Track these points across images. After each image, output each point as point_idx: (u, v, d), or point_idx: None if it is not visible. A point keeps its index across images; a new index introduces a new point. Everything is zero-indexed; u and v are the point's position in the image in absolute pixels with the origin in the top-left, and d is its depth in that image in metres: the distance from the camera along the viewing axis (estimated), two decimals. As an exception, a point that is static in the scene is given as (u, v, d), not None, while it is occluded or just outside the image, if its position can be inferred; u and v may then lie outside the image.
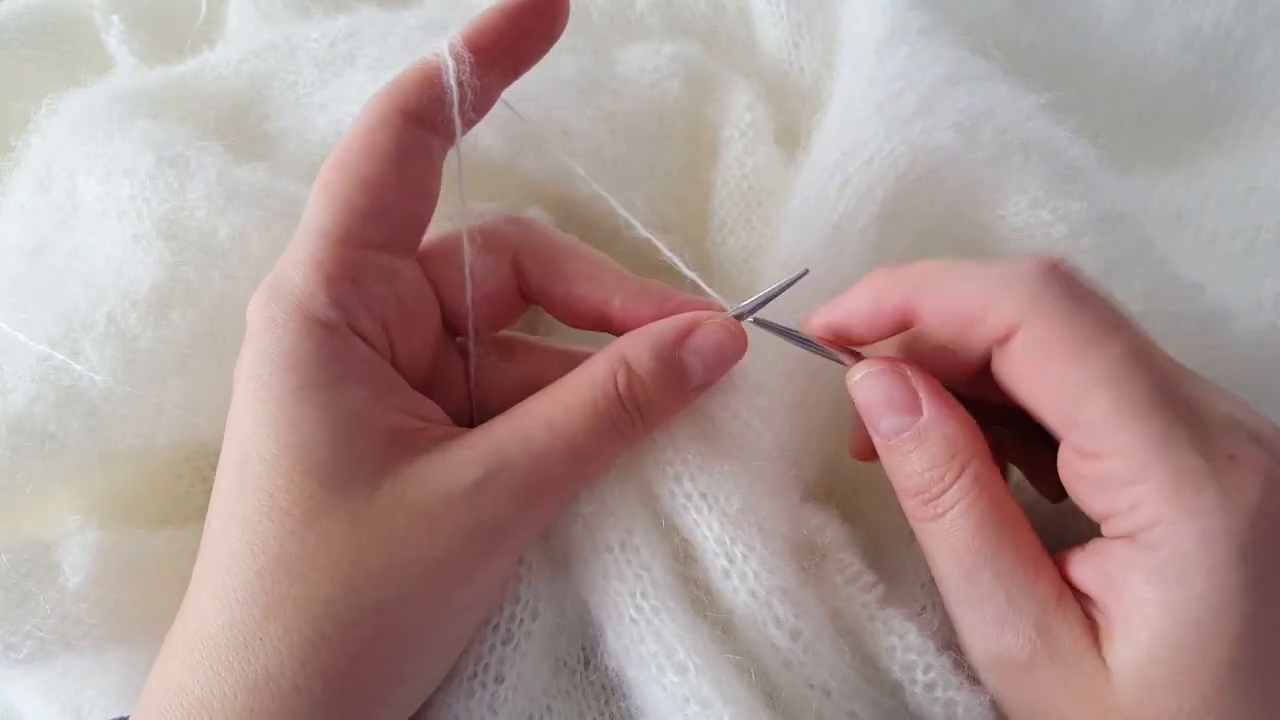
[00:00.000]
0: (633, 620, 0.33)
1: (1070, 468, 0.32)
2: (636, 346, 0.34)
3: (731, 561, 0.33)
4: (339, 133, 0.45)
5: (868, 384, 0.34)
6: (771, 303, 0.36)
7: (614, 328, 0.37)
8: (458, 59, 0.34)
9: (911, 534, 0.36)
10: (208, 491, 0.40)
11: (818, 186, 0.41)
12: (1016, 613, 0.31)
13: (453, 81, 0.33)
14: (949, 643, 0.35)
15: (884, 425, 0.34)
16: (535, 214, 0.46)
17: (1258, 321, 0.50)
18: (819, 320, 0.36)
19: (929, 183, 0.40)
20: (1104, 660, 0.30)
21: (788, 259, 0.41)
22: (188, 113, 0.43)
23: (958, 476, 0.32)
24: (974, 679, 0.33)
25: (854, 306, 0.35)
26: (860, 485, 0.40)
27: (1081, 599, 0.31)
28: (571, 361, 0.37)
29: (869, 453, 0.35)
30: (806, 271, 0.36)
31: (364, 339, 0.33)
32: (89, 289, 0.38)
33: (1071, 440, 0.31)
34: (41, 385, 0.36)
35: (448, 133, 0.35)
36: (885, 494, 0.36)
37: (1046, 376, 0.31)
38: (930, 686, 0.33)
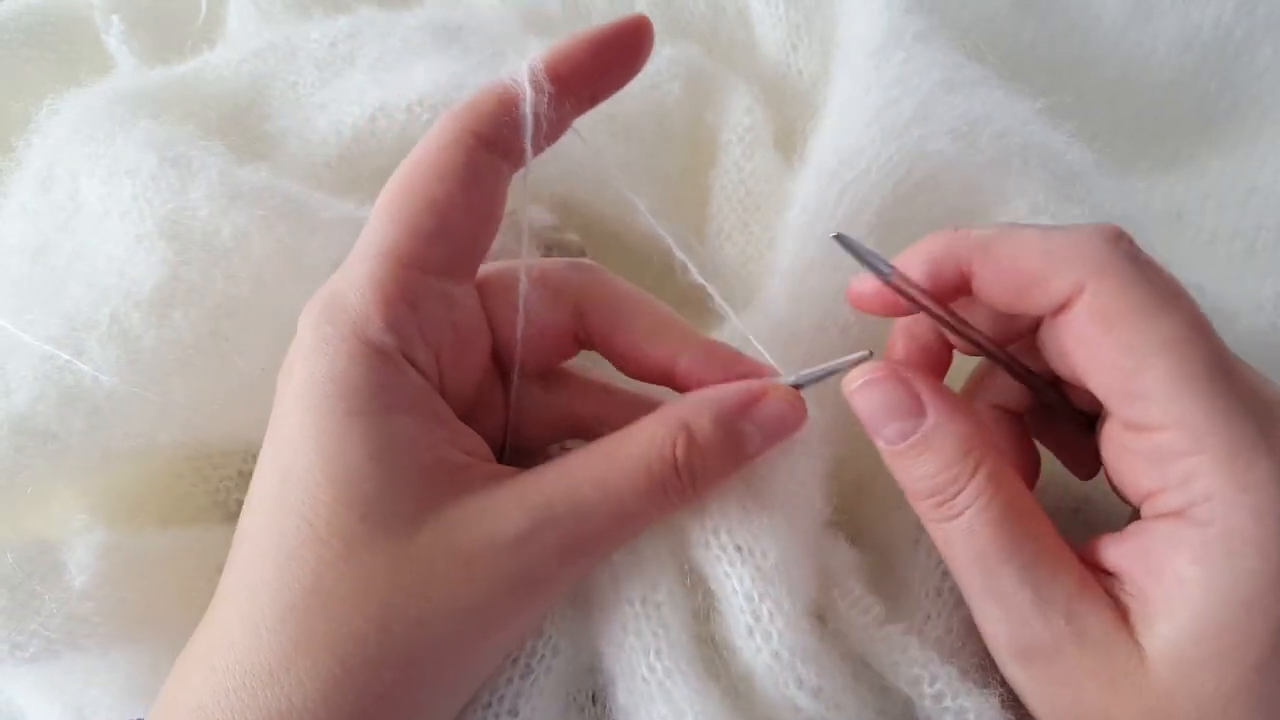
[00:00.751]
0: (644, 679, 0.33)
1: (1117, 441, 0.32)
2: (699, 413, 0.33)
3: (757, 620, 0.32)
4: (339, 133, 0.45)
5: (866, 392, 0.33)
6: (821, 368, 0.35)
7: (675, 385, 0.36)
8: (537, 88, 0.33)
9: (915, 540, 0.36)
10: (209, 492, 0.40)
11: (816, 195, 0.41)
12: (1043, 603, 0.31)
13: (529, 111, 0.33)
14: (955, 650, 0.35)
15: (887, 431, 0.33)
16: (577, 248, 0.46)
17: (1258, 322, 0.50)
18: (867, 285, 0.34)
19: (927, 189, 0.40)
20: (1138, 643, 0.30)
21: (787, 268, 0.41)
22: (189, 113, 0.43)
23: (972, 475, 0.32)
24: (982, 683, 0.33)
25: (909, 265, 0.34)
26: (863, 487, 0.40)
27: (1109, 583, 0.31)
28: (614, 399, 0.37)
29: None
30: (871, 354, 0.34)
31: (416, 366, 0.32)
32: (91, 289, 0.38)
33: (1124, 412, 0.31)
34: (44, 385, 0.36)
35: (517, 159, 0.34)
36: (888, 496, 0.36)
37: (1105, 343, 0.30)
38: (939, 697, 0.33)
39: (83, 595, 0.34)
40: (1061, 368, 0.34)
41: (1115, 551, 0.32)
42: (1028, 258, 0.31)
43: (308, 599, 0.29)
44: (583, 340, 0.37)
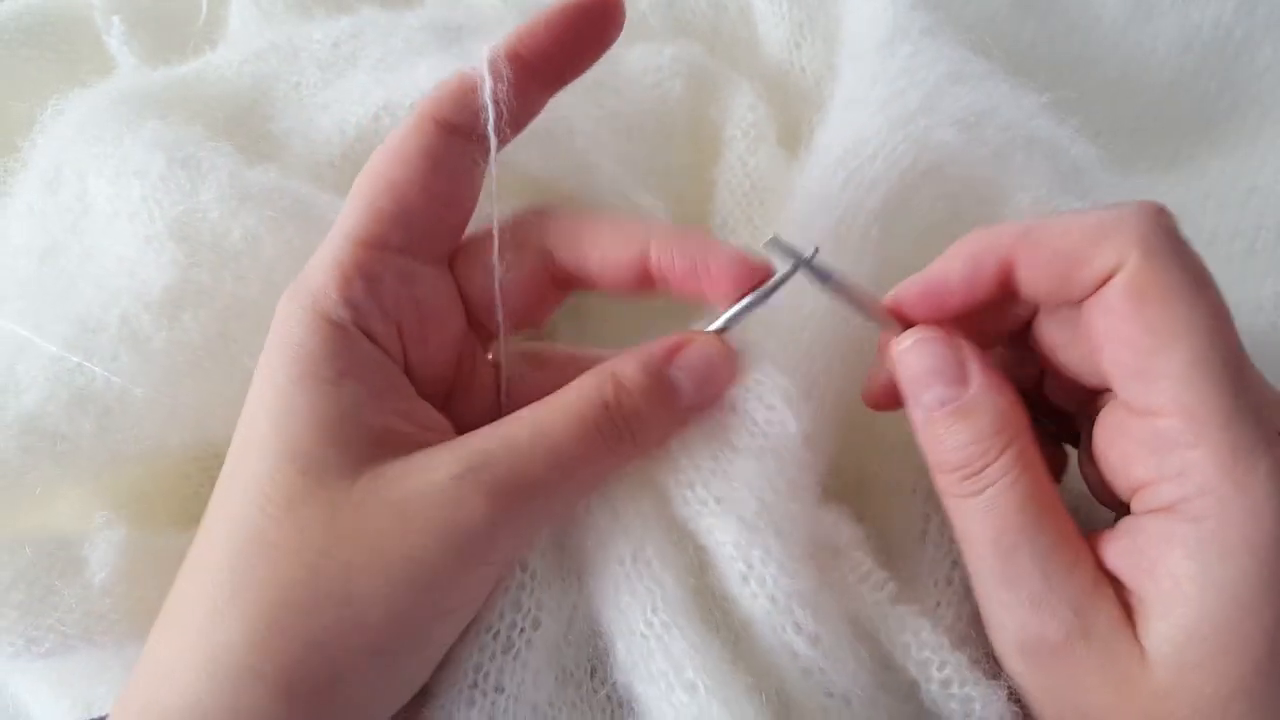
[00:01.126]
0: (643, 636, 0.33)
1: (1114, 427, 0.32)
2: (624, 361, 0.34)
3: (750, 566, 0.32)
4: (343, 133, 0.45)
5: (917, 351, 0.33)
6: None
7: (658, 285, 0.36)
8: (495, 75, 0.33)
9: (922, 532, 0.36)
10: (218, 492, 0.40)
11: (820, 183, 0.41)
12: (1054, 594, 0.30)
13: (488, 99, 0.33)
14: (965, 638, 0.35)
15: (928, 396, 0.33)
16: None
17: (1258, 322, 0.50)
18: (912, 289, 0.34)
19: (932, 179, 0.40)
20: (1138, 642, 0.30)
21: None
22: (194, 113, 0.43)
23: (1002, 452, 0.32)
24: (991, 674, 0.33)
25: (951, 267, 0.33)
26: (867, 480, 0.40)
27: (1114, 583, 0.31)
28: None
29: (886, 401, 0.35)
30: (817, 249, 0.34)
31: (374, 340, 0.33)
32: (101, 290, 0.38)
33: (1131, 390, 0.31)
34: (54, 386, 0.36)
35: (481, 138, 0.34)
36: (894, 489, 0.36)
37: (1133, 319, 0.30)
38: (946, 683, 0.33)
39: (102, 591, 0.35)
40: (1060, 357, 0.34)
41: (1109, 551, 0.32)
42: (1070, 239, 0.31)
43: (248, 547, 0.31)
44: (560, 280, 0.37)
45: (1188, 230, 0.55)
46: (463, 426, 0.34)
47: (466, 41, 0.48)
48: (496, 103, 0.34)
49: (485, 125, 0.34)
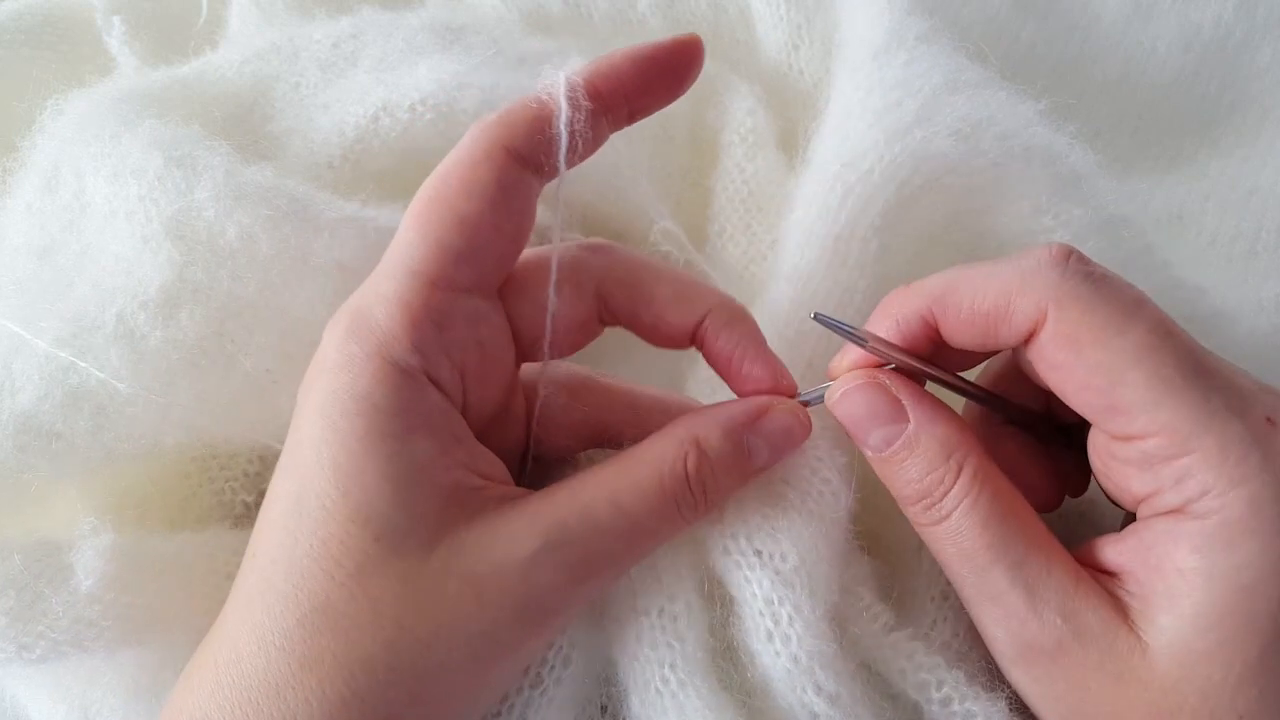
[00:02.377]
0: (658, 691, 0.33)
1: (1105, 453, 0.32)
2: (708, 428, 0.33)
3: (776, 624, 0.32)
4: (343, 133, 0.45)
5: (848, 400, 0.34)
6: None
7: (701, 347, 0.36)
8: (574, 104, 0.33)
9: (919, 546, 0.36)
10: (215, 493, 0.40)
11: (819, 198, 0.41)
12: (1038, 601, 0.31)
13: (564, 129, 0.32)
14: (962, 654, 0.35)
15: (872, 439, 0.34)
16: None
17: (1259, 324, 0.50)
18: (846, 358, 0.35)
19: (930, 191, 0.41)
20: (1139, 636, 0.30)
21: (790, 270, 0.41)
22: (193, 113, 0.43)
23: (957, 476, 0.32)
24: (990, 686, 0.33)
25: (880, 328, 0.35)
26: (867, 496, 0.40)
27: (1108, 580, 0.31)
28: (637, 407, 0.37)
29: None
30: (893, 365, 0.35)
31: (440, 386, 0.32)
32: (98, 289, 0.38)
33: (1109, 426, 0.31)
34: (50, 385, 0.36)
35: (549, 173, 0.34)
36: (892, 505, 0.36)
37: (1077, 365, 0.31)
38: (946, 701, 0.33)
39: (90, 598, 0.34)
40: (1048, 386, 0.34)
41: (1114, 550, 0.32)
42: (983, 300, 0.32)
43: (316, 617, 0.29)
44: (606, 320, 0.37)
45: (1189, 232, 0.55)
46: (497, 451, 0.34)
47: (467, 41, 0.49)
48: (572, 134, 0.33)
49: (557, 156, 0.33)
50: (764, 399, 0.35)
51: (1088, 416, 0.32)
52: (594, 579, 0.32)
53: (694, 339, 0.36)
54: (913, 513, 0.33)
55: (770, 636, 0.32)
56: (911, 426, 0.33)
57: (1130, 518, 0.33)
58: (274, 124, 0.46)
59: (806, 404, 0.36)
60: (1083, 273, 0.31)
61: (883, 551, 0.38)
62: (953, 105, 0.41)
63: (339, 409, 0.31)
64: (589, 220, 0.49)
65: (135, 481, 0.39)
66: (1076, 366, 0.31)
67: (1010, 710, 0.33)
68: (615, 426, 0.37)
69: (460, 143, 0.33)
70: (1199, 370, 0.30)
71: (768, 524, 0.34)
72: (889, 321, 0.34)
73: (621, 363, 0.46)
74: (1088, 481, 0.38)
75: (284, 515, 0.31)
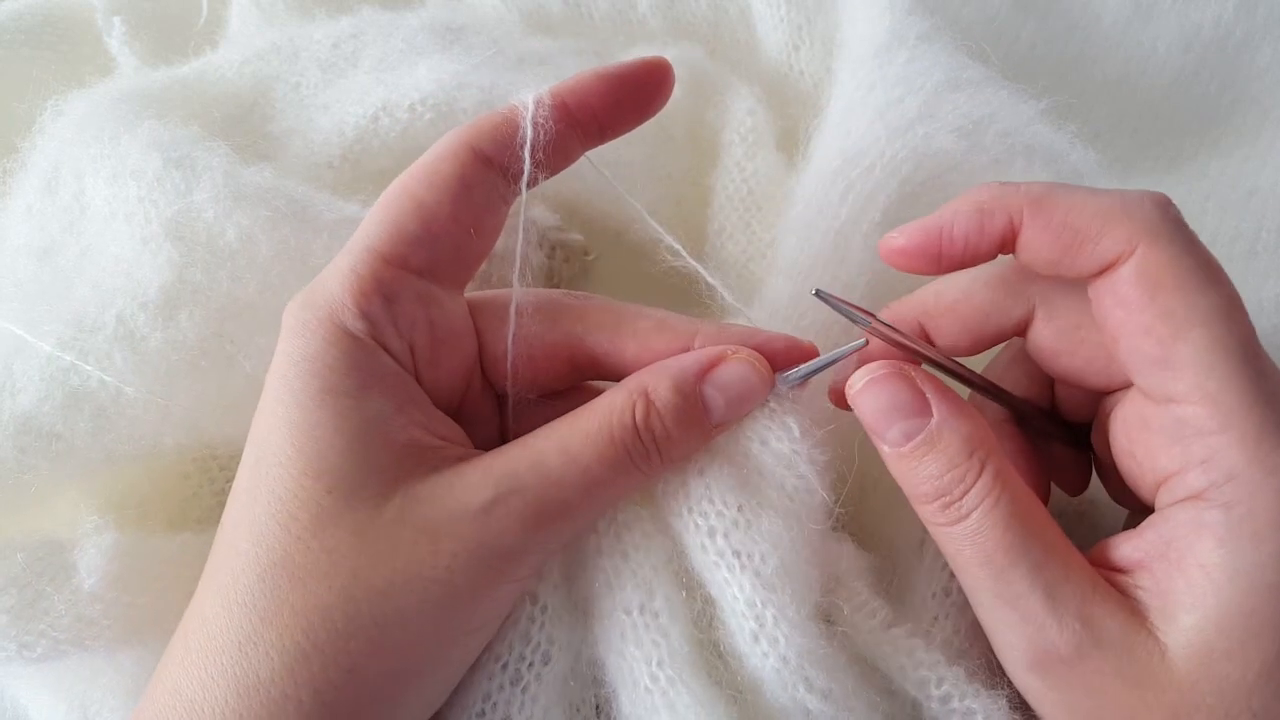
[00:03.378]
0: (647, 690, 0.32)
1: (1135, 423, 0.32)
2: (657, 378, 0.33)
3: (761, 625, 0.32)
4: (342, 133, 0.45)
5: (871, 391, 0.33)
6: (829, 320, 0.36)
7: None
8: (538, 105, 0.34)
9: (920, 542, 0.36)
10: (215, 494, 0.40)
11: (820, 194, 0.41)
12: (1057, 605, 0.30)
13: (526, 154, 0.34)
14: (962, 651, 0.35)
15: (892, 433, 0.32)
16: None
17: (1259, 324, 0.49)
18: (914, 233, 0.34)
19: (931, 188, 0.41)
20: (1158, 639, 0.29)
21: (790, 267, 0.41)
22: (193, 114, 0.43)
23: (979, 474, 0.31)
24: (989, 684, 0.33)
25: (958, 215, 0.33)
26: (867, 489, 0.40)
27: (1122, 579, 0.31)
28: (616, 322, 0.36)
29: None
30: (867, 342, 0.34)
31: (390, 353, 0.33)
32: (98, 290, 0.38)
33: (1151, 380, 0.30)
34: (50, 386, 0.36)
35: (519, 178, 0.34)
36: (892, 498, 0.36)
37: (1148, 308, 0.30)
38: (946, 699, 0.33)
39: (92, 597, 0.34)
40: (1063, 364, 0.34)
41: (1130, 546, 0.31)
42: (1081, 215, 0.31)
43: (275, 571, 0.30)
44: (583, 368, 0.36)
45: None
46: (472, 438, 0.34)
47: (467, 41, 0.49)
48: (534, 148, 0.34)
49: (520, 164, 0.34)
50: (719, 348, 0.34)
51: (1131, 369, 0.31)
52: (549, 526, 0.32)
53: None
54: (928, 511, 0.32)
55: (756, 638, 0.32)
56: (935, 421, 0.32)
57: (1132, 520, 0.33)
58: (274, 124, 0.46)
59: (804, 381, 0.35)
60: (1180, 221, 0.31)
61: (882, 547, 0.38)
62: (954, 103, 0.41)
63: (292, 371, 0.32)
64: (590, 221, 0.49)
65: (136, 482, 0.40)
66: (1147, 309, 0.30)
67: (1011, 708, 0.33)
68: (598, 351, 0.36)
69: (433, 145, 0.35)
70: (1256, 354, 0.30)
71: (745, 520, 0.33)
72: (972, 207, 0.33)
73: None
74: (1087, 480, 0.38)
75: (244, 481, 0.32)
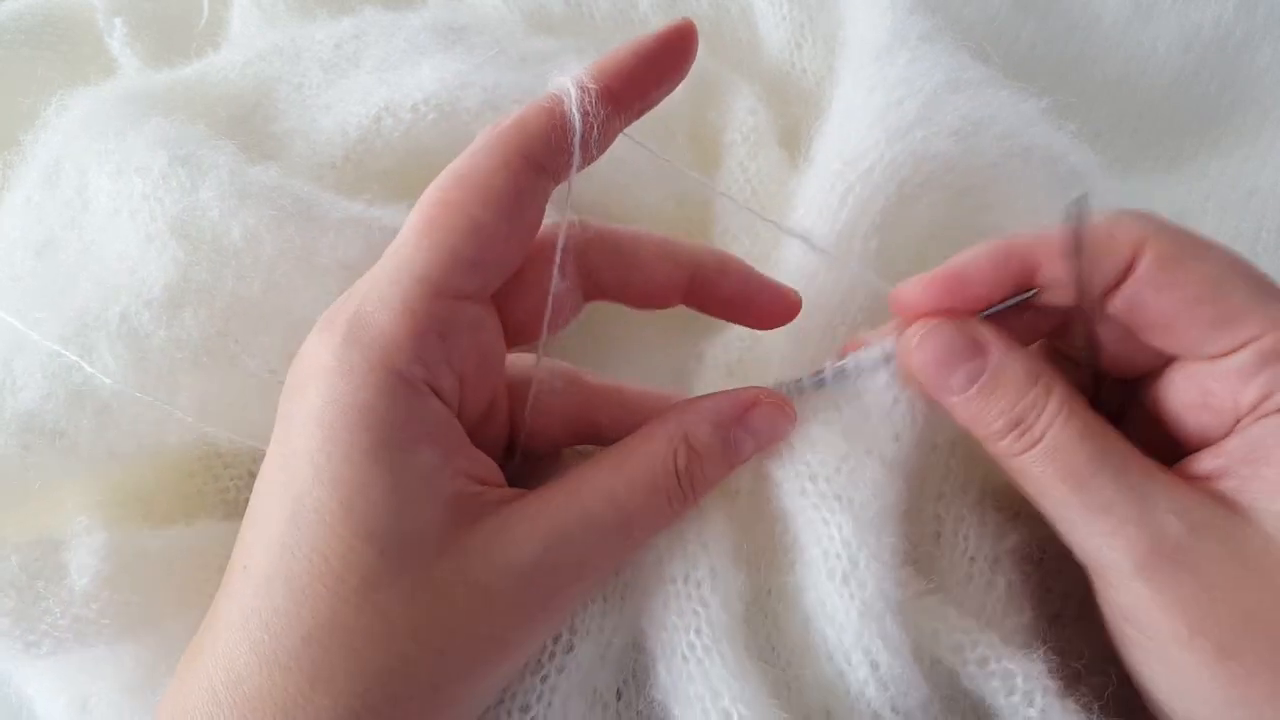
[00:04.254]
0: (684, 658, 0.33)
1: (1204, 380, 0.32)
2: (697, 424, 0.34)
3: (855, 566, 0.32)
4: (345, 133, 0.45)
5: (928, 343, 0.33)
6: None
7: (694, 302, 0.37)
8: (584, 91, 0.32)
9: (937, 534, 0.36)
10: (219, 491, 0.40)
11: (819, 196, 0.41)
12: (1149, 502, 0.30)
13: (577, 147, 0.32)
14: (995, 620, 0.35)
15: (955, 380, 0.33)
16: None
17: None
18: (934, 286, 0.34)
19: (931, 190, 0.41)
20: (1256, 523, 0.30)
21: (792, 270, 0.41)
22: (197, 114, 0.43)
23: (1048, 396, 0.32)
24: (1025, 646, 0.33)
25: (974, 260, 0.34)
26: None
27: (1204, 486, 0.32)
28: (625, 403, 0.37)
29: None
30: (1036, 292, 0.35)
31: (440, 395, 0.32)
32: (101, 287, 0.38)
33: (1220, 338, 0.31)
34: (53, 383, 0.36)
35: (561, 176, 0.33)
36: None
37: (1187, 278, 0.31)
38: (983, 661, 0.33)
39: (85, 598, 0.34)
40: (1145, 316, 0.34)
41: (1211, 456, 0.32)
42: (1089, 228, 0.32)
43: (324, 634, 0.29)
44: (591, 294, 0.37)
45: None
46: (481, 446, 0.34)
47: (469, 41, 0.49)
48: (586, 144, 0.32)
49: (570, 158, 0.33)
50: (750, 391, 0.35)
51: (1189, 343, 0.32)
52: (592, 575, 0.33)
53: (687, 296, 0.37)
54: (1003, 446, 0.33)
55: (846, 579, 0.32)
56: (996, 357, 0.33)
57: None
58: (277, 125, 0.46)
59: (823, 383, 0.36)
60: (1162, 218, 0.33)
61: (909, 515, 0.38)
62: (954, 105, 0.41)
63: (341, 420, 0.30)
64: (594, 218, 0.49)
65: (139, 480, 0.39)
66: (1186, 280, 0.31)
67: (1048, 674, 0.32)
68: (602, 423, 0.37)
69: (473, 147, 0.33)
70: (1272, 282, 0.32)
71: (850, 470, 0.34)
72: (989, 258, 0.34)
73: (624, 365, 0.46)
74: None
75: (279, 531, 0.30)
